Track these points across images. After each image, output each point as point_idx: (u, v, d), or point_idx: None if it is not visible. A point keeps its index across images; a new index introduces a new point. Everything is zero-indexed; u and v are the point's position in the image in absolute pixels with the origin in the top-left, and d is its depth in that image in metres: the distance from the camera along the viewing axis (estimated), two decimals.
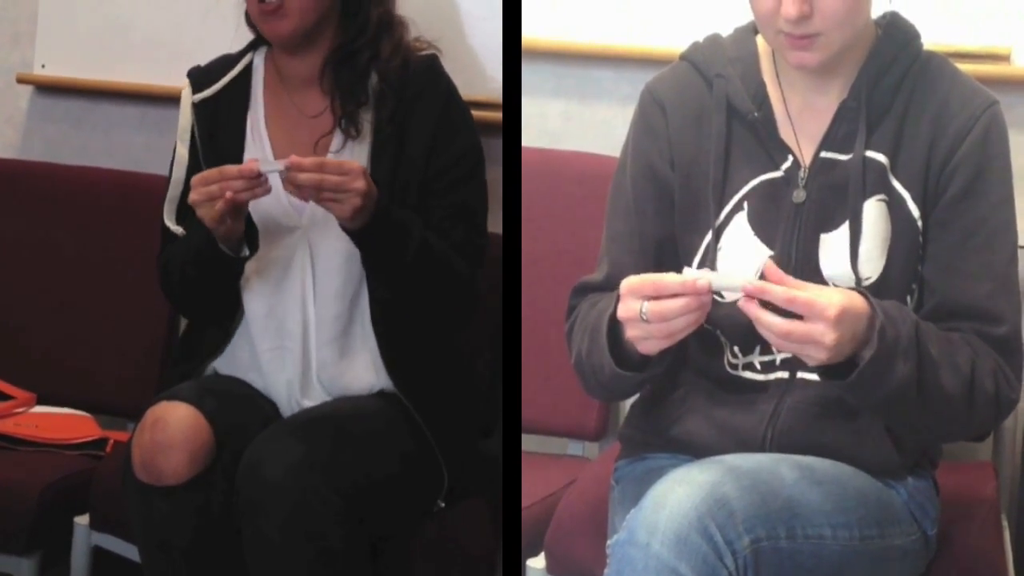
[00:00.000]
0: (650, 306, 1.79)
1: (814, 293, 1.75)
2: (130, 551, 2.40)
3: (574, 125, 2.90)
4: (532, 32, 2.84)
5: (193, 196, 2.17)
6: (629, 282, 1.82)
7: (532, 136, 2.88)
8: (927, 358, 1.83)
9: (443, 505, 2.35)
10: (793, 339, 1.75)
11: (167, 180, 2.38)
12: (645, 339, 1.83)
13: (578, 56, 2.87)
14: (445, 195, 2.31)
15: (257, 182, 2.15)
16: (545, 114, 2.92)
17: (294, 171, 2.12)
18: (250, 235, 2.26)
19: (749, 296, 1.75)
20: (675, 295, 1.77)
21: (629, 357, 1.91)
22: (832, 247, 1.94)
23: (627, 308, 1.81)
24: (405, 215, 2.24)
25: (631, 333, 1.83)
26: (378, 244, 2.21)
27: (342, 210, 2.14)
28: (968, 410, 1.87)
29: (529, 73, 2.88)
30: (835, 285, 1.92)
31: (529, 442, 2.74)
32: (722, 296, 1.90)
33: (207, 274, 2.28)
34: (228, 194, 2.13)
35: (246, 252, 2.26)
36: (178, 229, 2.33)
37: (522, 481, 2.39)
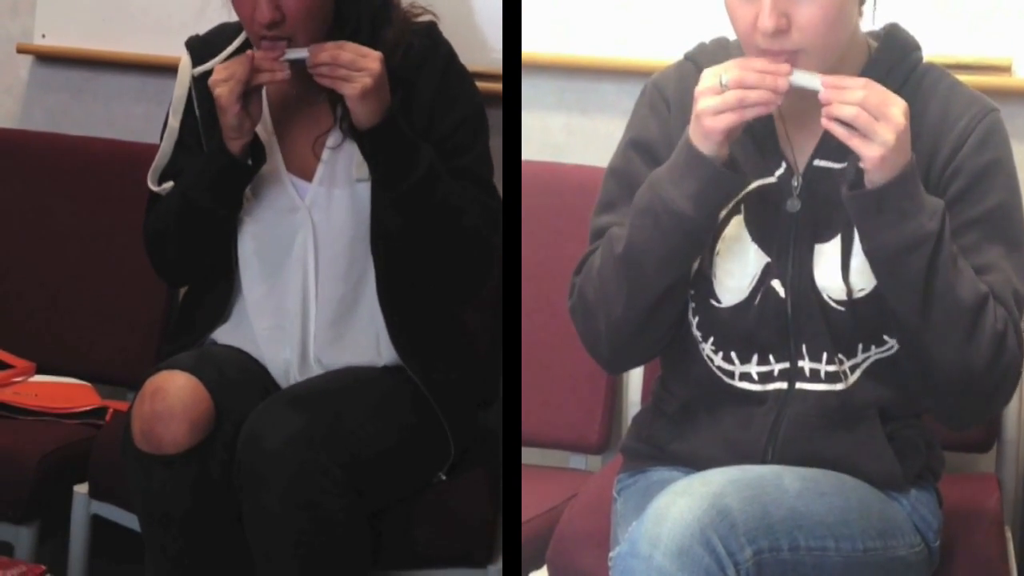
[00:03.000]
0: (731, 74, 1.80)
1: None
2: (129, 520, 2.41)
3: (577, 138, 2.89)
4: (535, 46, 2.82)
5: (215, 77, 2.20)
6: (712, 68, 1.84)
7: (535, 149, 2.87)
8: (948, 241, 1.82)
9: (444, 477, 2.35)
10: (869, 104, 1.77)
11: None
12: (717, 112, 1.81)
13: (581, 69, 2.86)
14: (448, 161, 2.28)
15: (278, 64, 2.18)
16: (548, 127, 2.91)
17: (315, 53, 2.15)
18: (255, 149, 2.26)
19: (827, 86, 1.79)
20: (759, 71, 1.81)
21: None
22: (826, 258, 1.93)
23: (707, 79, 1.83)
24: (415, 138, 2.24)
25: (704, 104, 1.82)
26: (386, 150, 2.21)
27: (353, 88, 2.15)
28: (973, 328, 1.83)
29: (532, 86, 2.88)
30: (829, 297, 1.93)
31: (530, 455, 2.73)
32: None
33: (210, 192, 2.26)
34: (250, 53, 2.18)
35: (250, 162, 2.25)
36: (166, 186, 2.33)
37: (524, 495, 2.39)
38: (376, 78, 2.15)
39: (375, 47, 2.24)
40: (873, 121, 1.77)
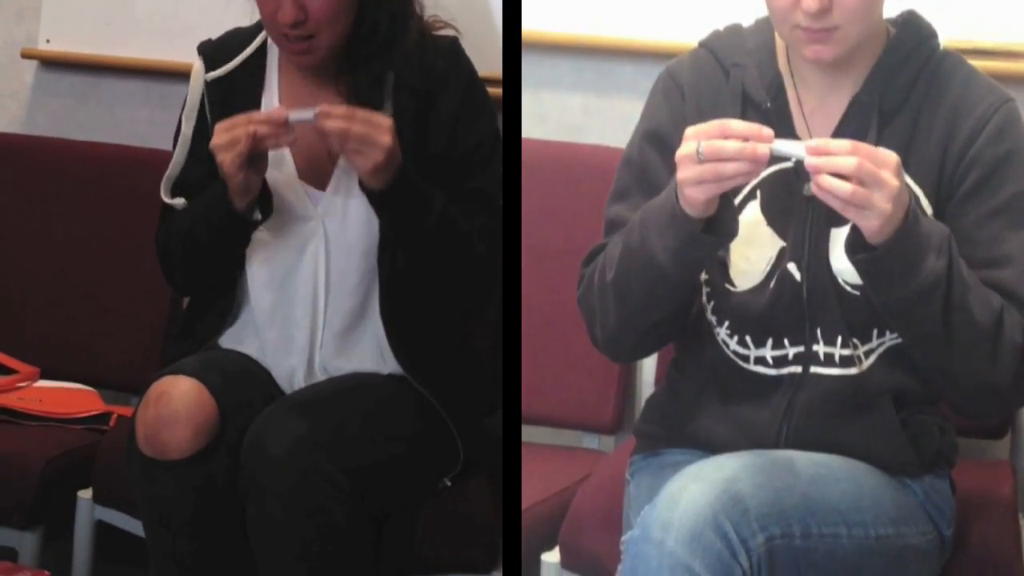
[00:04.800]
0: (707, 144, 1.76)
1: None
2: (133, 525, 2.41)
3: (594, 119, 2.89)
4: (552, 26, 2.85)
5: (216, 140, 2.15)
6: (695, 127, 1.80)
7: (552, 129, 2.88)
8: (957, 270, 1.81)
9: (449, 483, 2.35)
10: (864, 173, 1.72)
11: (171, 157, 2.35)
12: (696, 183, 1.78)
13: (598, 50, 2.87)
14: (463, 181, 2.28)
15: (283, 129, 2.14)
16: (565, 108, 2.91)
17: (322, 119, 2.11)
18: (264, 201, 2.23)
19: (812, 153, 1.74)
20: (739, 137, 1.76)
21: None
22: (842, 242, 1.91)
23: (687, 147, 1.79)
24: (427, 185, 2.21)
25: (683, 174, 1.78)
26: (398, 207, 2.19)
27: (364, 162, 2.12)
28: (994, 349, 1.84)
29: (549, 67, 2.89)
30: (844, 280, 1.93)
31: (544, 435, 2.74)
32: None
33: (216, 237, 2.26)
34: (251, 127, 2.12)
35: (258, 216, 2.23)
36: (178, 201, 2.31)
37: (537, 474, 2.40)
38: (388, 152, 2.13)
39: (391, 52, 2.25)
40: (869, 195, 1.73)
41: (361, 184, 2.19)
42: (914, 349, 1.90)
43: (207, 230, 2.26)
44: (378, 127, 2.12)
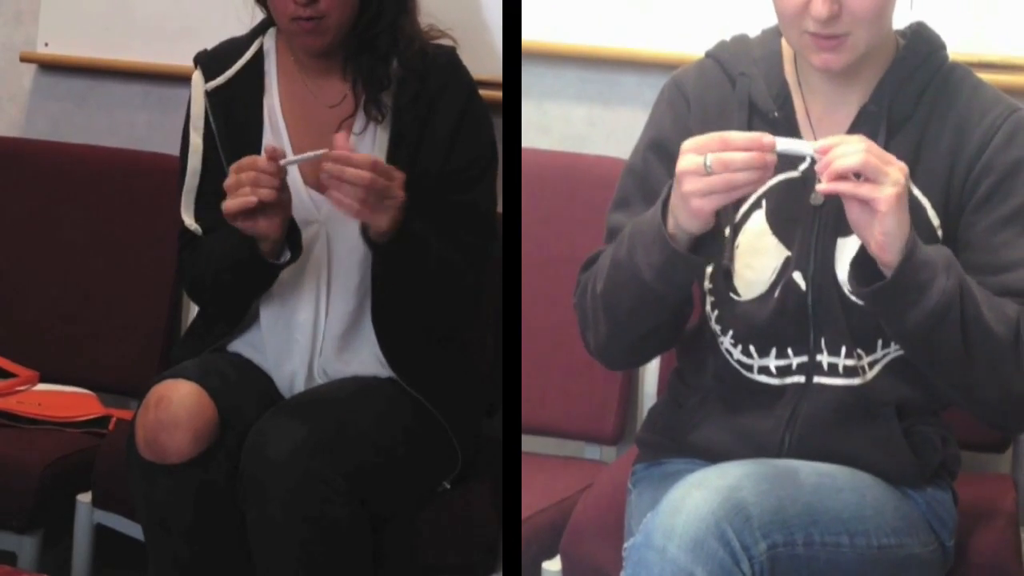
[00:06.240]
0: (715, 156, 1.75)
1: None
2: (133, 529, 2.41)
3: (598, 130, 2.89)
4: (556, 37, 2.85)
5: (229, 180, 2.13)
6: (693, 140, 1.78)
7: (556, 140, 2.88)
8: (968, 286, 1.80)
9: (448, 487, 2.35)
10: (874, 151, 1.73)
11: (180, 169, 2.34)
12: (705, 194, 1.76)
13: (602, 61, 2.86)
14: (459, 192, 2.29)
15: (276, 170, 2.11)
16: (569, 118, 2.91)
17: (340, 163, 2.07)
18: (292, 239, 2.22)
19: (821, 153, 1.75)
20: (741, 149, 1.75)
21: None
22: (848, 252, 1.91)
23: (689, 160, 1.76)
24: (422, 228, 2.20)
25: (690, 187, 1.76)
26: (397, 256, 2.20)
27: (382, 220, 2.12)
28: (1017, 357, 1.83)
29: (553, 77, 2.89)
30: (850, 291, 1.92)
31: (545, 445, 2.75)
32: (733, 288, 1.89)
33: (244, 280, 2.26)
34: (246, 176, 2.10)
35: (287, 256, 2.23)
36: (196, 227, 2.31)
37: (538, 484, 2.40)
38: (402, 207, 2.13)
39: (395, 33, 2.27)
40: (881, 164, 1.74)
41: (366, 234, 2.18)
42: (937, 374, 1.88)
43: (232, 272, 2.25)
44: (396, 179, 2.12)
